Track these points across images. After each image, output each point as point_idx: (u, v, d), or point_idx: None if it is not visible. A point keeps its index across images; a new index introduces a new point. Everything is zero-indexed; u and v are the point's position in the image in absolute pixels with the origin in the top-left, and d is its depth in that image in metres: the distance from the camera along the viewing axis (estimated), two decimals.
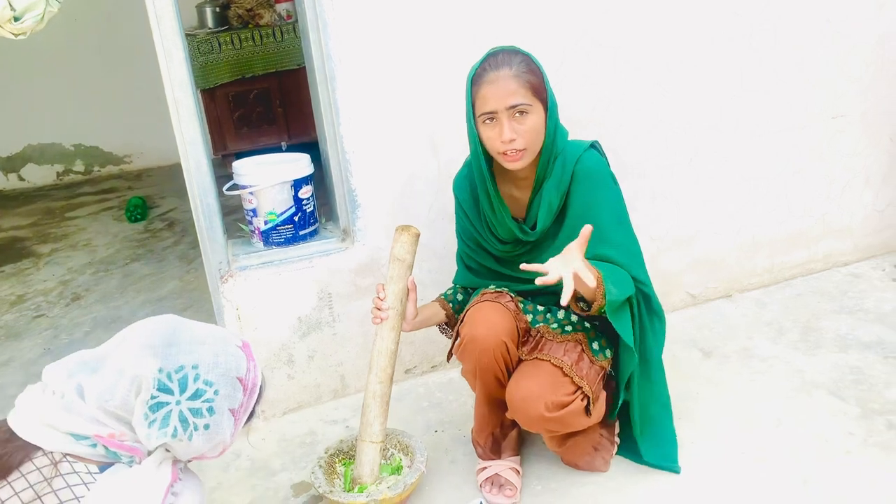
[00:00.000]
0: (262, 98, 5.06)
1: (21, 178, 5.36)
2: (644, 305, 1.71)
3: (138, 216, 4.25)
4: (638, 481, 1.81)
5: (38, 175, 5.37)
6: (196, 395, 1.21)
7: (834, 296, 2.61)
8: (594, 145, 1.74)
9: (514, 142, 1.57)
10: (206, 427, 1.22)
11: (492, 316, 1.67)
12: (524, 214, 1.75)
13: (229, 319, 2.10)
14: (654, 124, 2.38)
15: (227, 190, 2.14)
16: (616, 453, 1.90)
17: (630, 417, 1.83)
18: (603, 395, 1.71)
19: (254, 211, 2.14)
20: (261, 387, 1.37)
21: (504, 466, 1.83)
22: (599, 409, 1.70)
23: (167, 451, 1.24)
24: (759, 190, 2.59)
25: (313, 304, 2.18)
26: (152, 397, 1.18)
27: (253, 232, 2.18)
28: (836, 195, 2.72)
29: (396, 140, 2.12)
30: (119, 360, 1.21)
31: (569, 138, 1.72)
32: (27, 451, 1.14)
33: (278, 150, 5.00)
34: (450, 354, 1.79)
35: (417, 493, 1.83)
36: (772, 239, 2.67)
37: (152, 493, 1.17)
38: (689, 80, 2.38)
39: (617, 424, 1.90)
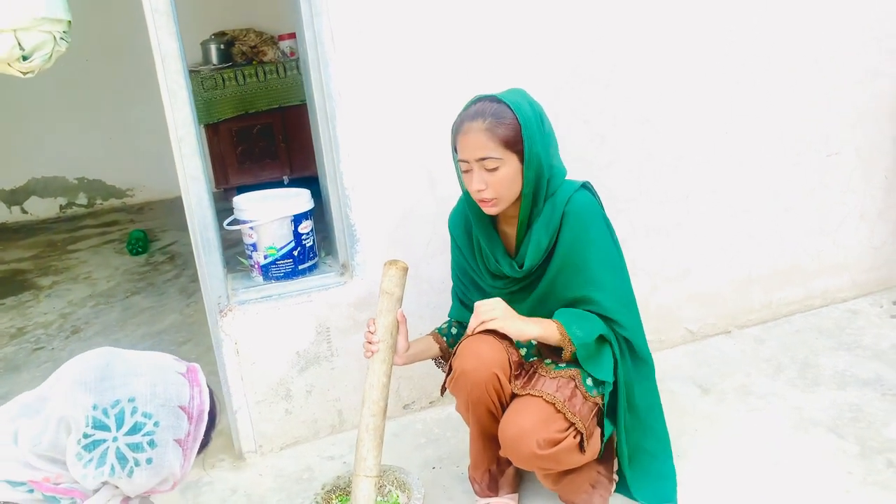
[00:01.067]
0: (265, 133, 5.12)
1: (24, 211, 5.40)
2: (627, 350, 1.72)
3: (140, 249, 4.28)
4: None
5: (41, 208, 5.42)
6: (135, 430, 1.16)
7: (832, 332, 2.61)
8: (585, 185, 1.74)
9: (484, 192, 1.61)
10: (149, 461, 1.18)
11: (482, 349, 1.68)
12: (514, 252, 1.77)
13: (228, 353, 2.10)
14: (645, 159, 2.41)
15: (227, 225, 2.17)
16: (615, 491, 1.89)
17: (619, 456, 1.83)
18: (597, 431, 1.71)
19: (254, 245, 2.16)
20: (212, 412, 1.30)
21: (503, 503, 1.82)
22: (593, 446, 1.70)
23: (116, 487, 1.19)
24: (751, 224, 2.62)
25: (312, 339, 2.18)
26: (85, 436, 1.14)
27: (253, 266, 2.20)
28: (832, 231, 2.74)
29: (395, 176, 2.15)
30: (55, 398, 1.18)
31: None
32: None
33: (280, 184, 5.06)
34: (443, 389, 1.79)
35: None
36: (767, 274, 2.69)
37: None
38: (680, 116, 2.42)
39: (615, 462, 1.89)
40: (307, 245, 2.19)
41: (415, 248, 2.21)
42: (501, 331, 1.61)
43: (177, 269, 3.95)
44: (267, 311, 2.12)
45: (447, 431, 2.25)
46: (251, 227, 2.13)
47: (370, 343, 1.76)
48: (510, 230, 1.75)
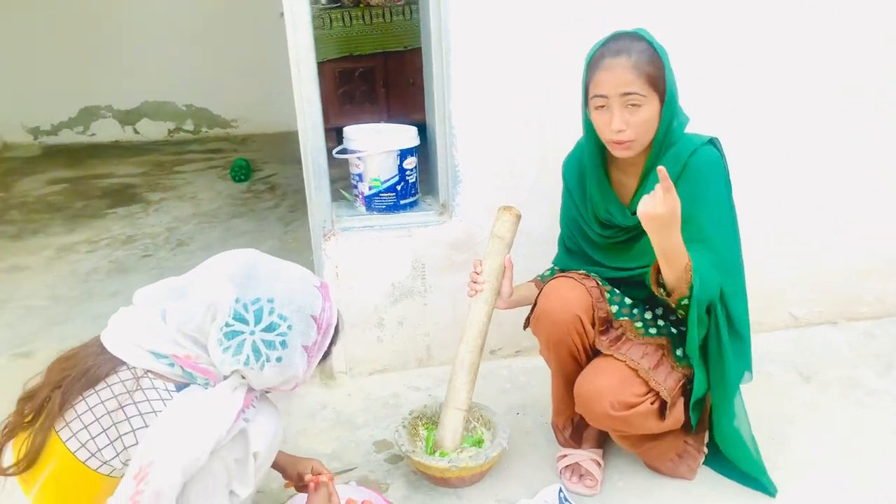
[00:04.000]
0: (367, 77, 5.16)
1: (136, 132, 5.67)
2: (724, 323, 1.62)
3: (242, 177, 4.43)
4: (724, 495, 1.76)
5: (151, 130, 5.67)
6: (270, 328, 1.25)
7: None
8: (713, 141, 1.67)
9: (623, 132, 1.56)
10: (279, 360, 1.26)
11: (566, 291, 1.67)
12: (629, 201, 1.73)
13: (328, 276, 2.17)
14: (771, 135, 2.30)
15: (336, 153, 2.21)
16: (704, 463, 1.85)
17: (713, 431, 1.78)
18: (681, 401, 1.67)
19: (360, 176, 2.20)
20: (337, 328, 1.39)
21: (586, 457, 1.82)
22: (675, 416, 1.66)
23: (242, 378, 1.28)
24: (875, 212, 2.45)
25: (407, 273, 2.22)
26: (227, 325, 1.23)
27: (356, 197, 2.24)
28: None
29: (504, 118, 2.13)
30: (200, 286, 1.27)
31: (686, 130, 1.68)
32: (114, 364, 1.23)
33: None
34: (526, 323, 1.79)
35: (497, 470, 1.84)
36: (885, 268, 2.51)
37: (223, 414, 1.22)
38: (807, 101, 2.29)
39: (707, 434, 1.85)
40: (410, 181, 2.22)
41: (518, 193, 2.20)
42: (653, 217, 1.44)
43: (276, 199, 4.08)
44: (368, 241, 2.17)
45: (533, 380, 2.26)
46: (359, 158, 2.17)
47: (475, 283, 1.77)
48: (625, 178, 1.71)
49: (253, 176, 4.53)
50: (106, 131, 5.62)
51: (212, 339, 1.24)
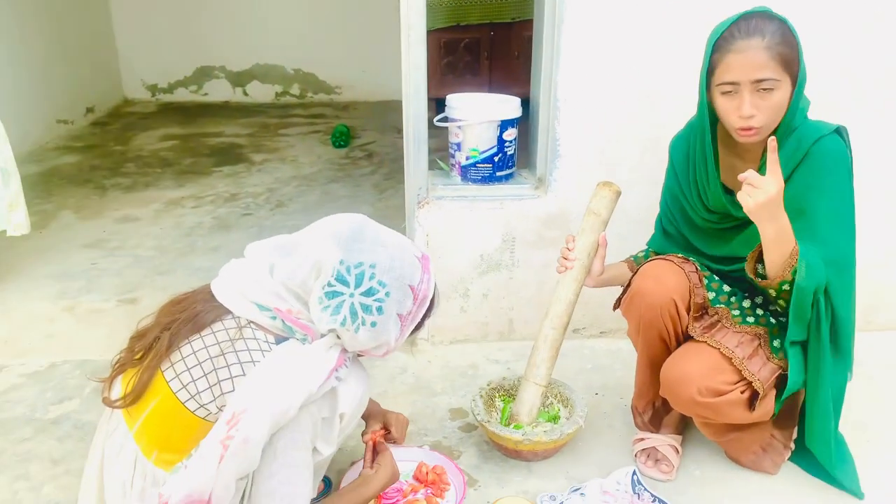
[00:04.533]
0: (472, 48, 5.14)
1: (245, 94, 5.89)
2: (826, 320, 1.53)
3: (342, 143, 4.53)
4: (807, 492, 1.69)
5: (260, 92, 5.88)
6: (369, 293, 1.28)
7: None
8: (839, 131, 1.56)
9: (754, 118, 1.47)
10: (374, 324, 1.29)
11: (664, 273, 1.62)
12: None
13: (419, 244, 2.19)
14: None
15: (437, 121, 2.22)
16: (790, 460, 1.78)
17: (803, 427, 1.70)
18: (772, 393, 1.59)
19: (458, 145, 2.20)
20: (433, 300, 1.41)
21: (663, 442, 1.78)
22: (765, 407, 1.59)
23: (338, 338, 1.31)
24: None
25: (496, 245, 2.22)
26: (329, 284, 1.26)
27: (453, 166, 2.25)
28: None
29: (611, 93, 2.08)
30: (307, 244, 1.31)
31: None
32: (220, 312, 1.28)
33: None
34: (616, 304, 1.76)
35: (570, 447, 1.84)
36: None
37: (318, 369, 1.25)
38: None
39: (795, 430, 1.77)
40: (508, 153, 2.20)
41: (618, 172, 2.14)
42: (759, 203, 1.39)
43: (373, 166, 4.15)
44: (460, 210, 2.18)
45: (615, 363, 2.23)
46: (459, 126, 2.17)
47: (566, 259, 1.75)
48: (739, 163, 1.62)
49: (352, 142, 4.63)
50: (218, 91, 5.87)
51: (313, 296, 1.28)
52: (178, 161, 4.30)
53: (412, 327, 1.39)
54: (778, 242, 1.44)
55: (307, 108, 5.70)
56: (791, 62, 1.45)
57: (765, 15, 1.48)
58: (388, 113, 5.23)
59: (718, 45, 1.50)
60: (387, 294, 1.29)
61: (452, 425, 1.96)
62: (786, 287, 1.47)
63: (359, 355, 1.41)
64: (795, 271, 1.43)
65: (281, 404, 1.20)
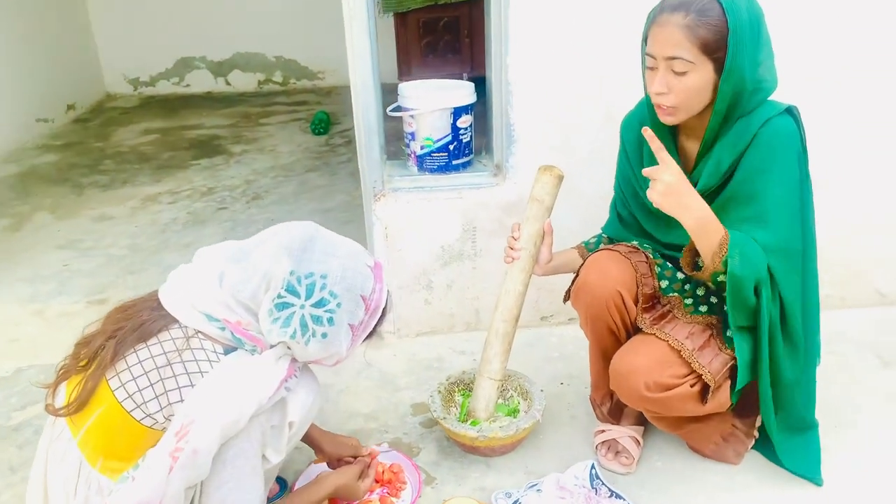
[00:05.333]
0: (451, 27, 5.05)
1: (228, 83, 5.83)
2: (772, 307, 1.47)
3: (321, 130, 4.48)
4: (770, 482, 1.66)
5: (242, 81, 5.81)
6: (320, 304, 1.26)
7: None
8: (790, 110, 1.48)
9: (664, 96, 1.42)
10: (324, 336, 1.27)
11: (608, 264, 1.58)
12: (691, 168, 1.60)
13: (378, 237, 2.16)
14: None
15: (390, 111, 2.17)
16: (752, 447, 1.74)
17: (765, 415, 1.66)
18: (727, 383, 1.55)
19: (412, 135, 2.15)
20: (385, 309, 1.40)
21: (624, 434, 1.75)
22: (720, 399, 1.54)
23: (288, 349, 1.30)
24: None
25: (457, 235, 2.18)
26: (279, 296, 1.24)
27: (409, 156, 2.21)
28: None
29: (562, 75, 2.02)
30: (258, 254, 1.29)
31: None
32: (167, 321, 1.26)
33: (459, 79, 5.02)
34: (566, 297, 1.72)
35: (529, 441, 1.81)
36: None
37: (266, 381, 1.24)
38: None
39: (758, 418, 1.73)
40: (464, 140, 2.15)
41: (575, 155, 2.09)
42: (662, 194, 1.38)
43: (351, 153, 4.10)
44: (417, 202, 2.13)
45: (582, 350, 2.15)
46: (411, 116, 2.12)
47: (511, 249, 1.71)
48: (689, 144, 1.58)
49: (332, 129, 4.57)
50: (200, 82, 5.81)
51: (263, 308, 1.26)
52: (156, 156, 4.27)
53: (363, 336, 1.37)
54: (701, 233, 1.40)
55: (290, 94, 5.64)
56: (712, 45, 1.37)
57: None
58: (383, 97, 5.16)
59: (649, 18, 1.45)
60: (338, 305, 1.28)
61: (414, 421, 1.94)
62: (721, 279, 1.42)
63: (309, 364, 1.39)
64: (726, 261, 1.38)
65: (231, 415, 1.19)
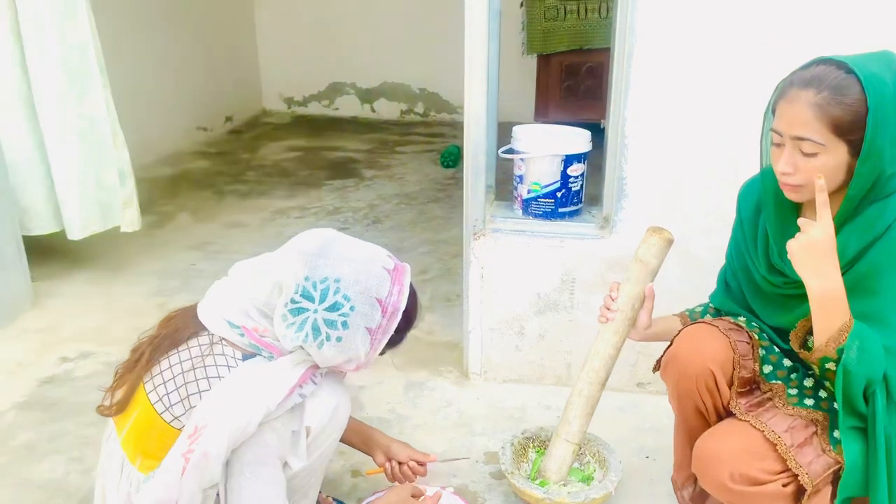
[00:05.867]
0: (594, 72, 5.00)
1: (373, 110, 6.09)
2: (884, 417, 1.28)
3: (451, 163, 4.56)
4: None
5: (386, 109, 6.05)
6: (333, 308, 1.26)
7: None
8: None
9: (790, 176, 1.29)
10: (339, 339, 1.27)
11: (703, 339, 1.45)
12: None
13: (473, 276, 2.14)
14: None
15: (501, 153, 2.16)
16: None
17: None
18: (827, 489, 1.37)
19: (520, 178, 2.13)
20: (411, 312, 1.36)
21: None
22: None
23: (307, 355, 1.30)
24: None
25: (555, 285, 2.11)
26: (293, 301, 1.26)
27: (516, 199, 2.17)
28: None
29: (682, 134, 1.92)
30: (275, 261, 1.32)
31: None
32: (197, 328, 1.32)
33: (595, 126, 4.94)
34: (655, 367, 1.60)
35: None
36: None
37: (276, 387, 1.25)
38: None
39: None
40: (573, 189, 2.09)
41: (690, 217, 1.98)
42: (803, 246, 1.24)
43: None
44: (517, 245, 2.09)
45: None
46: (521, 159, 2.10)
47: (608, 309, 1.63)
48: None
49: (461, 163, 4.62)
50: (348, 107, 6.11)
51: (277, 313, 1.28)
52: (295, 172, 4.51)
53: (385, 340, 1.34)
54: (824, 308, 1.25)
55: (429, 126, 5.79)
56: (846, 127, 1.22)
57: (835, 65, 1.25)
58: (508, 135, 5.19)
59: (780, 89, 1.32)
60: (351, 308, 1.27)
61: (484, 469, 1.88)
62: (830, 366, 1.26)
63: (332, 369, 1.38)
64: (842, 350, 1.23)
65: (238, 421, 1.21)
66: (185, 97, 4.94)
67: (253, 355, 1.30)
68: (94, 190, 2.82)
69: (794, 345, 1.35)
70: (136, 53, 4.30)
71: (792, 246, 1.27)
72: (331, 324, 1.26)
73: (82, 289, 2.86)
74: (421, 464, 1.66)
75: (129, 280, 2.97)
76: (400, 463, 1.65)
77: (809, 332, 1.34)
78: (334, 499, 1.72)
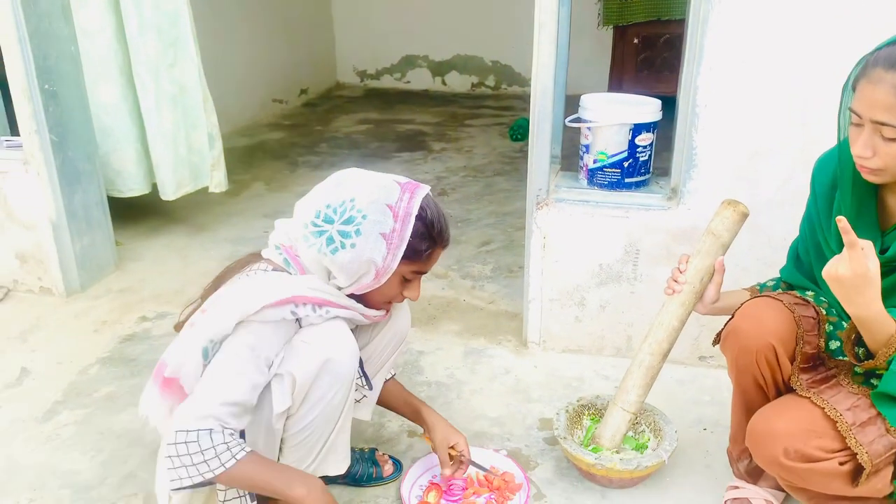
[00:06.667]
0: (672, 44, 4.88)
1: (444, 83, 6.11)
2: None
3: (519, 136, 4.54)
4: None
5: (457, 82, 6.06)
6: (349, 221, 1.33)
7: None
8: None
9: (868, 160, 1.24)
10: (353, 246, 1.33)
11: (765, 313, 1.41)
12: (887, 228, 1.40)
13: (535, 245, 2.15)
14: None
15: (569, 121, 2.15)
16: None
17: None
18: (889, 469, 1.33)
19: (587, 147, 2.11)
20: (425, 218, 1.36)
21: (759, 496, 1.58)
22: (875, 485, 1.32)
23: (332, 277, 1.38)
24: None
25: (618, 256, 2.10)
26: (314, 224, 1.35)
27: (581, 168, 2.16)
28: None
29: (756, 104, 1.86)
30: (311, 196, 1.40)
31: None
32: (258, 259, 1.43)
33: (672, 100, 4.81)
34: (716, 339, 1.58)
35: (654, 482, 1.70)
36: None
37: (265, 294, 1.30)
38: None
39: None
40: (641, 159, 2.06)
41: (762, 190, 1.92)
42: (834, 279, 1.20)
43: None
44: (581, 216, 2.09)
45: None
46: (588, 128, 2.08)
47: (675, 281, 1.61)
48: (893, 201, 1.37)
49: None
50: (419, 80, 6.15)
51: (300, 235, 1.38)
52: (366, 144, 4.59)
53: (403, 246, 1.34)
54: (865, 328, 1.23)
55: (499, 99, 5.77)
56: None
57: None
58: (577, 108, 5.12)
59: (862, 64, 1.26)
60: (363, 217, 1.33)
61: (538, 435, 1.90)
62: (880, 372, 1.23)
63: (353, 295, 1.41)
64: (892, 360, 1.19)
65: (237, 309, 1.29)
66: (262, 70, 5.08)
67: (283, 272, 1.40)
68: (186, 152, 2.97)
69: (847, 351, 1.31)
70: (215, 27, 4.45)
71: (825, 272, 1.22)
72: (345, 234, 1.33)
73: (161, 253, 3.02)
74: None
75: (205, 245, 3.10)
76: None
77: (856, 343, 1.31)
78: (391, 457, 1.78)
